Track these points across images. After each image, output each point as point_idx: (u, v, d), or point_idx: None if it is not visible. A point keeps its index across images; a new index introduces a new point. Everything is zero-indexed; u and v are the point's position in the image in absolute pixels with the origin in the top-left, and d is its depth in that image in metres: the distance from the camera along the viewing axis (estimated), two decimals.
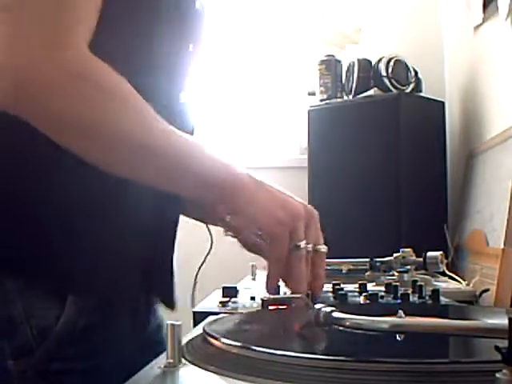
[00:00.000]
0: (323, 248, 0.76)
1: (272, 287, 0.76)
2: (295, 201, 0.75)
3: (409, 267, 1.30)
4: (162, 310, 0.91)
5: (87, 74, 0.65)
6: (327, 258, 0.83)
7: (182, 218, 0.93)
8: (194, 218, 0.97)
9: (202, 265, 1.02)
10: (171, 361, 0.50)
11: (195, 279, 1.09)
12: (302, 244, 0.72)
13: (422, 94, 2.16)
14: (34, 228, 0.69)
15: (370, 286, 1.12)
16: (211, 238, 1.08)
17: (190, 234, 0.98)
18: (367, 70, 2.11)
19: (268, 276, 0.76)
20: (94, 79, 0.65)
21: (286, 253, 0.72)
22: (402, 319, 0.58)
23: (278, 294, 0.94)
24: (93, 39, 0.67)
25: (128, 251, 0.76)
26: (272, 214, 0.71)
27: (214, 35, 0.91)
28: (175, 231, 0.88)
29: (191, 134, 0.86)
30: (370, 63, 2.12)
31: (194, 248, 1.22)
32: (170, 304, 0.89)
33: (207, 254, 1.07)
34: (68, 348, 0.70)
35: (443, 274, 1.60)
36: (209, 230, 1.04)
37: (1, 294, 0.68)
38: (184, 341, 0.57)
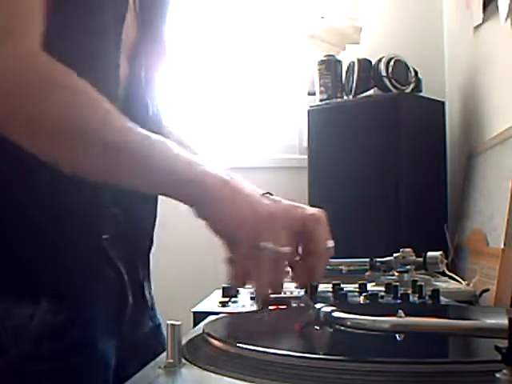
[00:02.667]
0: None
1: (234, 287, 0.74)
2: (273, 202, 0.73)
3: (409, 267, 1.30)
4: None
5: (43, 74, 0.64)
6: None
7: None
8: None
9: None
10: (171, 361, 0.50)
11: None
12: (267, 245, 0.70)
13: (422, 94, 2.16)
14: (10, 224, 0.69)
15: (370, 286, 1.12)
16: None
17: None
18: (367, 70, 2.11)
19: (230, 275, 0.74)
20: (49, 78, 0.64)
21: (248, 254, 0.70)
22: (402, 319, 0.58)
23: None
24: (51, 35, 0.66)
25: (98, 251, 0.76)
26: (235, 214, 0.70)
27: (177, 27, 0.89)
28: (151, 230, 0.87)
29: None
30: (370, 63, 2.12)
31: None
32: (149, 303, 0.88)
33: None
34: (42, 347, 0.69)
35: (443, 274, 1.60)
36: None
37: None
38: (184, 341, 0.58)
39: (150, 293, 0.88)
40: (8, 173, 0.70)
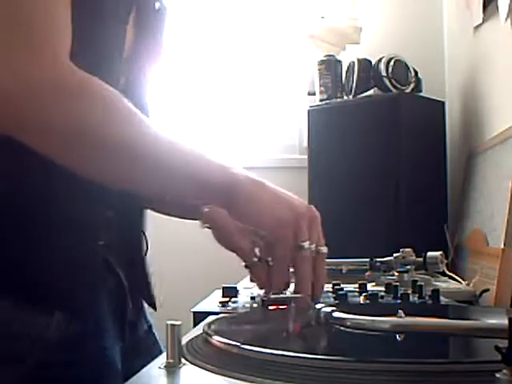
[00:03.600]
0: (324, 249, 0.76)
1: (277, 288, 0.75)
2: (297, 200, 0.75)
3: (409, 267, 1.30)
4: (152, 313, 0.91)
5: (71, 85, 0.64)
6: (327, 258, 0.83)
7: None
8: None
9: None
10: (171, 361, 0.50)
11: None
12: (306, 244, 0.71)
13: (422, 94, 2.15)
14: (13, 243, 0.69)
15: (370, 286, 1.12)
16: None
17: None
18: (367, 70, 2.11)
19: (265, 277, 0.74)
20: (78, 90, 0.64)
21: (289, 253, 0.71)
22: (402, 319, 0.58)
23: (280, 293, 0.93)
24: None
25: (98, 253, 0.76)
26: (275, 214, 0.70)
27: (175, 35, 0.90)
28: (141, 227, 0.88)
29: None
30: (370, 63, 2.12)
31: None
32: (152, 303, 0.88)
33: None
34: (57, 356, 0.69)
35: (443, 274, 1.60)
36: None
37: None
38: (184, 341, 0.58)
39: (149, 294, 0.88)
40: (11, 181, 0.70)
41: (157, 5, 0.83)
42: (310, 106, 2.22)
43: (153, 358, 0.55)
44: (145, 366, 0.53)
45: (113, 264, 0.78)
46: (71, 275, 0.71)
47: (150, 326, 0.90)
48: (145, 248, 0.87)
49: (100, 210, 0.76)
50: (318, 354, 0.47)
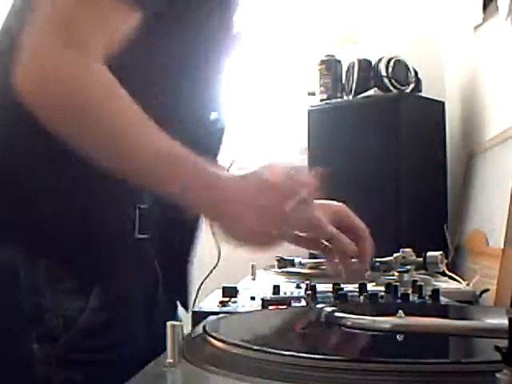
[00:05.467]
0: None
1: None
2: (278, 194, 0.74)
3: (409, 267, 1.30)
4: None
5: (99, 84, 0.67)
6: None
7: None
8: None
9: (206, 278, 1.03)
10: (171, 361, 0.50)
11: (199, 286, 1.09)
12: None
13: (422, 94, 2.15)
14: (63, 224, 0.73)
15: (370, 286, 1.12)
16: (219, 253, 1.08)
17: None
18: (367, 70, 2.11)
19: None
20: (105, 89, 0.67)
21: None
22: (402, 319, 0.58)
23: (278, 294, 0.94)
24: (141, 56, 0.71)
25: (146, 246, 0.79)
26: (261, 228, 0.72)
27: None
28: (195, 229, 0.89)
29: (214, 156, 0.89)
30: (370, 63, 2.12)
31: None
32: (185, 304, 0.91)
33: (213, 268, 1.07)
34: (90, 340, 0.74)
35: (443, 274, 1.60)
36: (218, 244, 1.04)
37: (32, 284, 0.72)
38: (184, 341, 0.58)
39: (184, 294, 0.90)
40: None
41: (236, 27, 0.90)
42: (310, 106, 2.22)
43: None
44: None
45: (151, 259, 0.81)
46: (111, 266, 0.76)
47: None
48: (191, 252, 0.89)
49: (137, 203, 0.78)
50: (318, 354, 0.47)
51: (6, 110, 0.73)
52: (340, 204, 0.87)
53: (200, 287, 1.07)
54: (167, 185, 0.69)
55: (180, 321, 0.91)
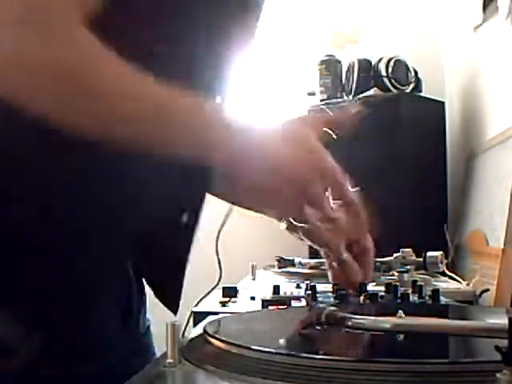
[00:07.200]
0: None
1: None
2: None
3: (409, 267, 1.30)
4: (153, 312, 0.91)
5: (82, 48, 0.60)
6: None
7: None
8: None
9: (210, 291, 1.02)
10: (171, 361, 0.50)
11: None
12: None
13: (422, 94, 2.16)
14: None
15: (370, 286, 1.12)
16: (220, 270, 1.08)
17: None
18: (367, 70, 2.11)
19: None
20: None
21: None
22: (402, 319, 0.58)
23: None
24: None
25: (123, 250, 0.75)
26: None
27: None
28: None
29: None
30: (370, 63, 2.12)
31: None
32: (174, 307, 0.88)
33: (217, 283, 1.07)
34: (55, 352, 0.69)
35: (443, 274, 1.60)
36: (219, 262, 1.05)
37: None
38: (184, 341, 0.58)
39: (173, 298, 0.87)
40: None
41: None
42: (310, 106, 2.22)
43: (147, 360, 0.54)
44: (143, 365, 0.53)
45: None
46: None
47: (148, 327, 0.90)
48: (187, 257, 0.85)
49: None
50: (318, 354, 0.47)
51: None
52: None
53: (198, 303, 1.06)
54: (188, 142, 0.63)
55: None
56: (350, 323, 0.54)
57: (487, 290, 1.46)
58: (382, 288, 1.03)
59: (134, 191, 0.70)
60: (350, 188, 0.78)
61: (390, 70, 2.07)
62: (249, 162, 0.63)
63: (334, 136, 0.76)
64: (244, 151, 0.63)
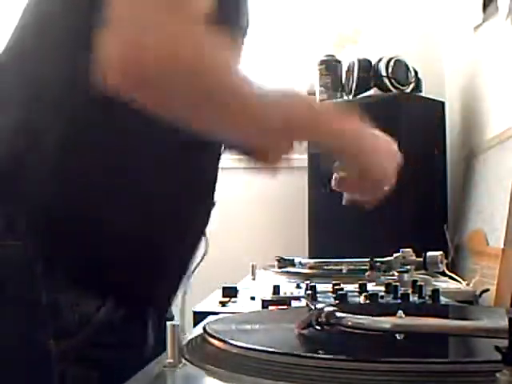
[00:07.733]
0: None
1: None
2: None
3: (409, 267, 1.30)
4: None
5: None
6: (327, 259, 0.84)
7: None
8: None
9: (194, 270, 1.02)
10: (171, 361, 0.50)
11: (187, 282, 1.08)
12: None
13: (422, 94, 2.15)
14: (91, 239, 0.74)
15: (370, 286, 1.12)
16: (206, 242, 1.07)
17: None
18: (367, 70, 2.11)
19: None
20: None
21: None
22: (402, 319, 0.58)
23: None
24: None
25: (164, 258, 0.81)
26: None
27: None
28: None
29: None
30: (370, 63, 2.12)
31: None
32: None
33: (201, 259, 1.06)
34: (106, 336, 0.74)
35: (443, 274, 1.60)
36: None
37: (51, 282, 0.71)
38: (184, 341, 0.58)
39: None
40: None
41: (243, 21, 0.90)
42: None
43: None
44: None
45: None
46: (126, 269, 0.76)
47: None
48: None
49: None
50: (318, 354, 0.47)
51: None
52: None
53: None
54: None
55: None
56: (350, 323, 0.54)
57: (487, 290, 1.46)
58: (382, 288, 1.03)
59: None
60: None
61: (389, 70, 2.07)
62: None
63: None
64: (371, 148, 0.88)
